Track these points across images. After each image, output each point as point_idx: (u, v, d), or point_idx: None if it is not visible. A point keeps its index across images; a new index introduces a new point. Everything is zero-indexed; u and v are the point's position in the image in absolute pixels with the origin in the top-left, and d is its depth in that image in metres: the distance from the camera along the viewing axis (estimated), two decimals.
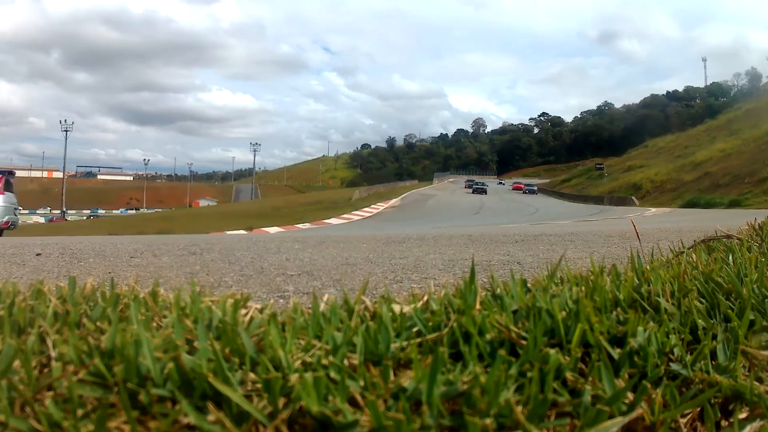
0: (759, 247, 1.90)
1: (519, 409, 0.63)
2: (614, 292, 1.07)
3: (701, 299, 1.10)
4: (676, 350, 0.84)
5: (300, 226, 20.84)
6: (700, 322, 0.95)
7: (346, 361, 0.74)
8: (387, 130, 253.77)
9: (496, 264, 2.81)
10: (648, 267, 1.40)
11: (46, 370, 0.72)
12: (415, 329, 0.86)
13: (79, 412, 0.62)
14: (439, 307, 0.95)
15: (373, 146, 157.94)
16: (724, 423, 0.75)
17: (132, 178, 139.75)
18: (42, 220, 59.40)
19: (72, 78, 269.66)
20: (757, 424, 0.72)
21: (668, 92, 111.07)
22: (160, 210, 73.36)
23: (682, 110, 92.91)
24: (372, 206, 31.24)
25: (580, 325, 0.84)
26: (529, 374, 0.69)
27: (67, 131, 70.96)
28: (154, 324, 0.89)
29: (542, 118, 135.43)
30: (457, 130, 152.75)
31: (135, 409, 0.63)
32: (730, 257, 1.55)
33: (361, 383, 0.67)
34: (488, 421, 0.61)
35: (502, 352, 0.75)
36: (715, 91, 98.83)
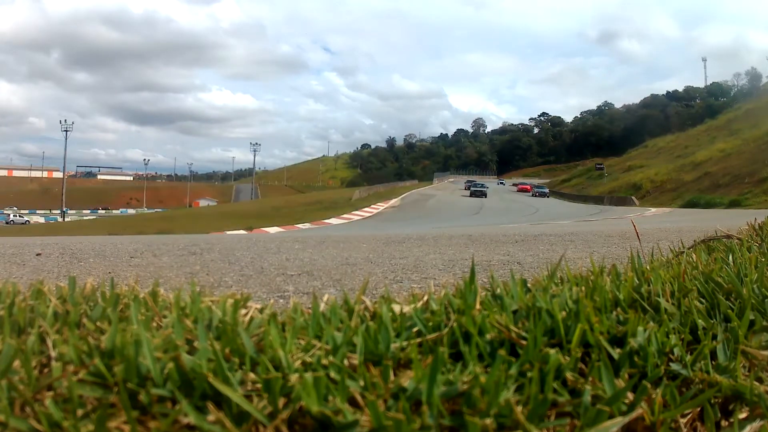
0: (759, 247, 1.90)
1: (519, 409, 0.63)
2: (614, 292, 1.07)
3: (701, 299, 1.10)
4: (676, 350, 0.84)
5: (300, 226, 20.84)
6: (700, 322, 0.95)
7: (346, 361, 0.74)
8: (387, 130, 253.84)
9: (496, 264, 2.81)
10: (648, 267, 1.40)
11: (46, 370, 0.72)
12: (415, 329, 0.86)
13: (79, 412, 0.62)
14: (439, 307, 0.95)
15: (373, 146, 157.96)
16: (724, 423, 0.75)
17: (132, 178, 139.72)
18: (42, 220, 59.41)
19: (72, 78, 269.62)
20: (757, 424, 0.72)
21: (668, 92, 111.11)
22: (159, 210, 73.36)
23: (682, 110, 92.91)
24: (372, 206, 31.24)
25: (580, 325, 0.84)
26: (529, 374, 0.69)
27: (67, 131, 70.98)
28: (154, 324, 0.89)
29: (542, 118, 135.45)
30: (457, 130, 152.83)
31: (135, 409, 0.63)
32: (730, 257, 1.55)
33: (361, 383, 0.67)
34: (488, 421, 0.61)
35: (502, 352, 0.75)
36: (715, 91, 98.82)
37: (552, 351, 0.75)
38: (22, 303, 0.95)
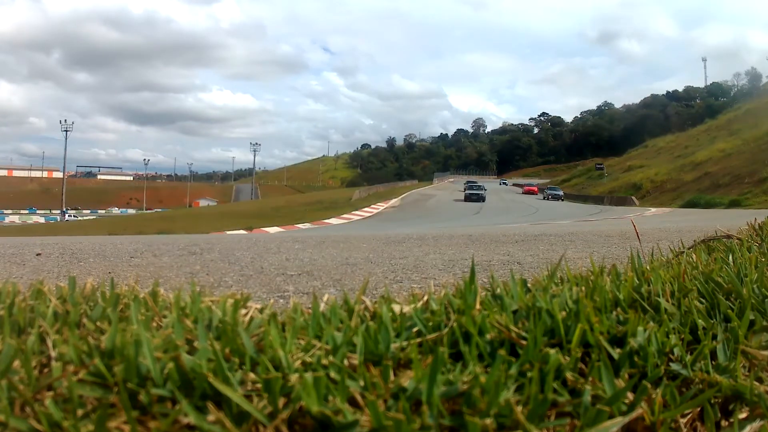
0: (759, 247, 1.90)
1: (519, 409, 0.63)
2: (614, 292, 1.07)
3: (701, 299, 1.10)
4: (676, 350, 0.84)
5: (300, 226, 20.84)
6: (700, 322, 0.95)
7: (346, 361, 0.74)
8: (387, 130, 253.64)
9: (496, 264, 2.81)
10: (648, 267, 1.40)
11: (46, 370, 0.72)
12: (415, 329, 0.86)
13: (79, 412, 0.62)
14: (439, 307, 0.95)
15: (373, 146, 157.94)
16: (724, 423, 0.75)
17: (132, 178, 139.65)
18: (42, 220, 59.44)
19: (72, 78, 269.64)
20: (757, 424, 0.72)
21: (668, 92, 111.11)
22: (159, 210, 73.39)
23: (682, 110, 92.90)
24: (372, 206, 31.23)
25: (580, 325, 0.84)
26: (529, 374, 0.69)
27: (67, 131, 70.95)
28: (154, 324, 0.89)
29: (542, 118, 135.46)
30: (457, 130, 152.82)
31: (135, 409, 0.63)
32: (730, 257, 1.55)
33: (361, 383, 0.67)
34: (488, 421, 0.61)
35: (502, 352, 0.75)
36: (715, 91, 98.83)
37: (552, 351, 0.75)
38: (22, 303, 0.95)
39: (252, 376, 0.68)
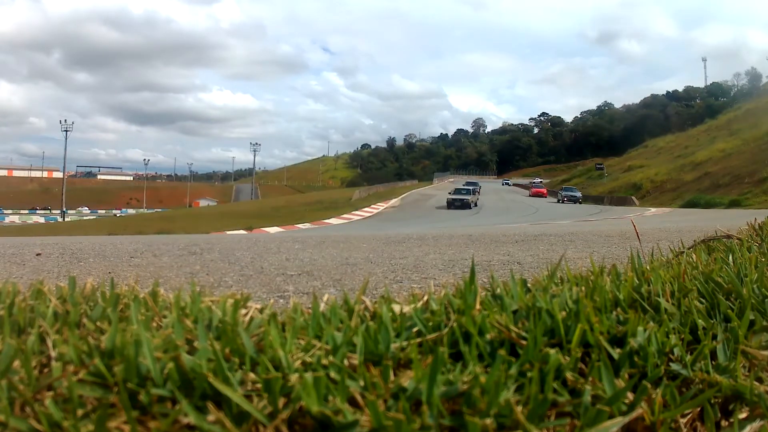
0: (759, 247, 1.90)
1: (519, 409, 0.63)
2: (614, 292, 1.07)
3: (701, 299, 1.10)
4: (676, 350, 0.84)
5: (300, 226, 20.84)
6: (700, 322, 0.95)
7: (346, 361, 0.74)
8: (387, 130, 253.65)
9: (496, 264, 2.81)
10: (648, 267, 1.40)
11: (46, 370, 0.72)
12: (415, 329, 0.86)
13: (79, 412, 0.62)
14: (439, 307, 0.95)
15: (373, 146, 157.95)
16: (724, 423, 0.75)
17: (132, 178, 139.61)
18: (42, 220, 59.46)
19: (72, 78, 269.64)
20: (757, 424, 0.72)
21: (668, 92, 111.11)
22: (159, 210, 73.41)
23: (682, 110, 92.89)
24: (372, 206, 31.23)
25: (580, 325, 0.84)
26: (529, 374, 0.69)
27: (67, 131, 70.96)
28: (154, 324, 0.89)
29: (542, 118, 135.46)
30: (457, 130, 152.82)
31: (135, 409, 0.63)
32: (730, 257, 1.55)
33: (361, 383, 0.67)
34: (488, 421, 0.61)
35: (502, 352, 0.75)
36: (715, 91, 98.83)
37: (552, 351, 0.75)
38: (22, 303, 0.95)
39: (252, 376, 0.68)
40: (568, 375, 0.74)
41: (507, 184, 73.45)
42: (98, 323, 0.89)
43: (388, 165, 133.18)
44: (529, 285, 1.12)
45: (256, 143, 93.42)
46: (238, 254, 3.34)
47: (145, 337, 0.70)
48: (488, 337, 0.83)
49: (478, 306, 0.93)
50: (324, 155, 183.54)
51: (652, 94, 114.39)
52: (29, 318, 0.89)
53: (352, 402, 0.65)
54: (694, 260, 1.56)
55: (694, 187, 35.08)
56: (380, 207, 31.17)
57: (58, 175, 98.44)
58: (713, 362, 0.83)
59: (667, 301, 1.04)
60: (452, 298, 0.99)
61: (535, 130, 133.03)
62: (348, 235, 5.93)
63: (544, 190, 44.64)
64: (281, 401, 0.64)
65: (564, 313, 0.90)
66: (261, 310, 0.97)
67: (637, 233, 2.54)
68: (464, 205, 26.75)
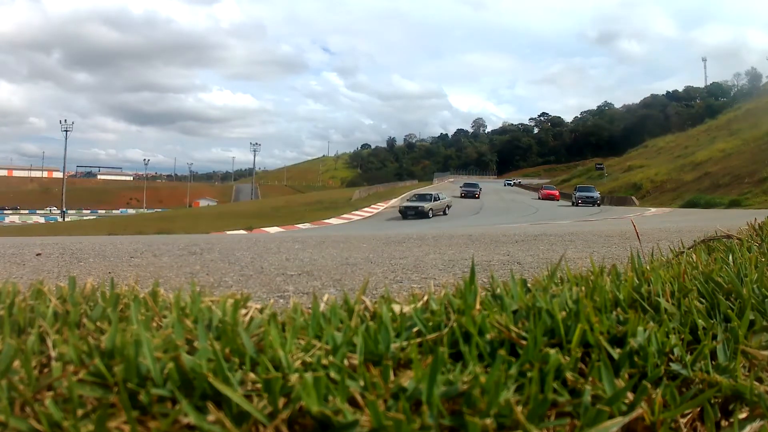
0: (759, 247, 1.90)
1: (519, 409, 0.63)
2: (614, 292, 1.07)
3: (701, 299, 1.10)
4: (676, 350, 0.84)
5: (300, 226, 20.85)
6: (700, 322, 0.95)
7: (346, 361, 0.74)
8: (387, 130, 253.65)
9: (496, 264, 2.81)
10: (648, 267, 1.40)
11: (46, 370, 0.72)
12: (415, 329, 0.86)
13: (79, 412, 0.62)
14: (439, 307, 0.95)
15: (373, 146, 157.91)
16: (724, 423, 0.75)
17: (132, 178, 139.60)
18: (42, 220, 59.45)
19: (72, 78, 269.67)
20: (757, 424, 0.72)
21: (668, 92, 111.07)
22: (159, 210, 73.40)
23: (682, 110, 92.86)
24: (372, 206, 31.23)
25: (580, 325, 0.84)
26: (529, 374, 0.69)
27: (67, 131, 70.90)
28: (154, 324, 0.89)
29: (542, 118, 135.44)
30: (457, 130, 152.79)
31: (135, 409, 0.63)
32: (730, 257, 1.55)
33: (361, 383, 0.67)
34: (488, 421, 0.61)
35: (502, 352, 0.75)
36: (715, 91, 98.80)
37: (552, 351, 0.75)
38: (22, 303, 0.95)
39: (252, 376, 0.68)
40: (568, 375, 0.74)
41: (509, 184, 72.32)
42: (98, 323, 0.89)
43: (388, 165, 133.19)
44: (529, 285, 1.12)
45: (256, 143, 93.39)
46: (238, 254, 3.34)
47: (145, 337, 0.70)
48: (488, 337, 0.83)
49: (478, 306, 0.93)
50: (324, 155, 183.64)
51: (652, 94, 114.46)
52: (29, 318, 0.89)
53: (352, 402, 0.65)
54: (694, 260, 1.56)
55: (694, 187, 35.08)
56: (380, 207, 31.16)
57: (58, 175, 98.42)
58: (713, 362, 0.83)
59: (667, 301, 1.04)
60: (452, 298, 0.99)
61: (535, 130, 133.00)
62: (348, 235, 5.93)
63: (556, 192, 40.46)
64: (281, 401, 0.64)
65: (564, 313, 0.90)
66: (261, 310, 0.97)
67: (637, 233, 2.54)
68: (419, 214, 22.67)
